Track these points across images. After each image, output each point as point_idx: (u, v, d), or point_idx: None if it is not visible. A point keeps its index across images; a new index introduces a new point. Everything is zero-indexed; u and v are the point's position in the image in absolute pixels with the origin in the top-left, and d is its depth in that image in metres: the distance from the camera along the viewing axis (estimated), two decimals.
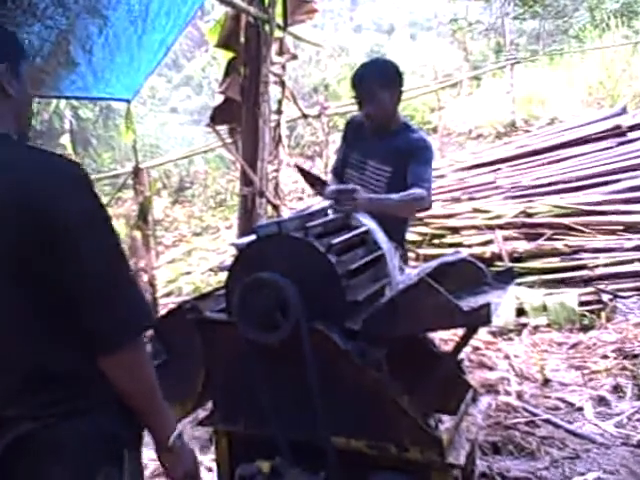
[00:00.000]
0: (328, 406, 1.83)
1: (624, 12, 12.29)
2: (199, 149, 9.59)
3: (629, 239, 5.36)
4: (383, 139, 2.89)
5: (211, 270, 6.99)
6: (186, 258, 8.11)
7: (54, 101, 10.63)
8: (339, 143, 3.21)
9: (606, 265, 5.12)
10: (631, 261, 5.11)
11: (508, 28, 11.36)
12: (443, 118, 10.42)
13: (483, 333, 4.39)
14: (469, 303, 1.84)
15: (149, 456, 2.90)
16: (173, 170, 11.88)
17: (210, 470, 2.90)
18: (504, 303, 1.98)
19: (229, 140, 5.20)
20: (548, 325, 4.65)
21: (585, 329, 4.57)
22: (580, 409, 3.51)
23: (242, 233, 4.47)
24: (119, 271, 1.32)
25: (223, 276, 2.01)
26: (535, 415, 3.40)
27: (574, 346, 4.34)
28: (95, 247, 1.26)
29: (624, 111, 7.66)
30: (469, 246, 5.65)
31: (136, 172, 5.55)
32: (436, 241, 6.02)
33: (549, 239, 5.53)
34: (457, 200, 6.72)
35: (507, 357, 4.14)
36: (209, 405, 2.16)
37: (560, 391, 3.74)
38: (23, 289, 1.24)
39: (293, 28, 5.19)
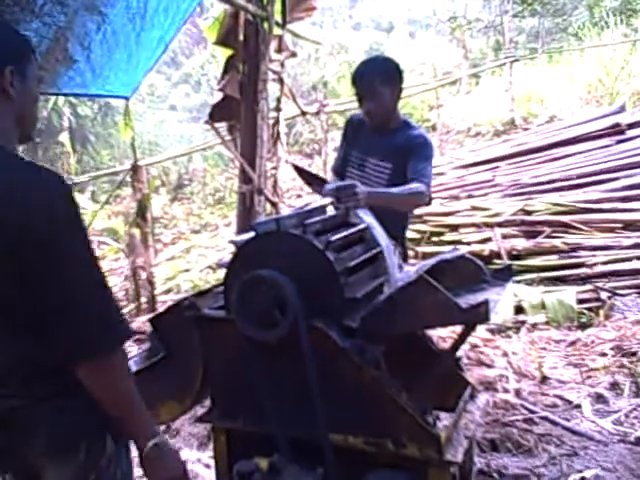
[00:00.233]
0: (326, 403, 1.83)
1: (623, 10, 12.29)
2: (198, 147, 9.59)
3: (627, 237, 5.37)
4: (383, 136, 2.90)
5: (210, 267, 6.99)
6: (185, 255, 8.11)
7: (52, 98, 10.64)
8: (339, 141, 3.22)
9: (604, 263, 5.13)
10: (629, 259, 5.12)
11: (507, 26, 11.35)
12: (442, 116, 10.42)
13: (481, 330, 4.39)
14: (467, 300, 1.84)
15: None
16: (172, 167, 11.89)
17: (208, 467, 2.90)
18: (502, 301, 1.98)
19: (228, 137, 5.20)
20: (546, 323, 4.66)
21: (583, 327, 4.57)
22: (578, 406, 3.51)
23: (241, 230, 4.47)
24: (93, 282, 1.35)
25: (222, 273, 2.01)
26: (533, 412, 3.40)
27: (572, 344, 4.35)
28: (67, 261, 1.30)
29: (623, 109, 7.66)
30: (468, 244, 5.65)
31: (135, 169, 5.55)
32: (435, 239, 6.02)
33: (548, 237, 5.54)
34: (456, 198, 6.73)
35: (505, 354, 4.14)
36: (207, 402, 2.16)
37: (558, 388, 3.74)
38: (7, 291, 1.30)
39: (292, 25, 5.19)
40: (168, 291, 6.53)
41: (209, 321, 2.01)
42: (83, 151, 12.26)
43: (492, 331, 4.54)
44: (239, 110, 4.65)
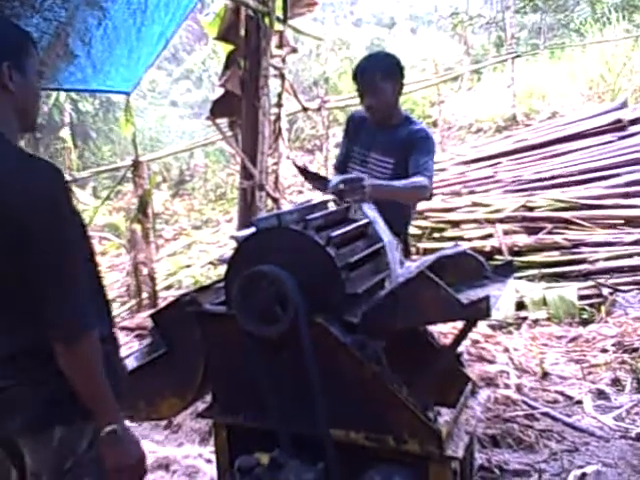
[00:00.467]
0: (327, 399, 1.83)
1: (625, 6, 12.27)
2: (199, 142, 9.58)
3: (629, 233, 5.37)
4: (385, 132, 2.91)
5: (211, 263, 6.99)
6: (186, 251, 8.12)
7: (54, 94, 10.62)
8: (340, 138, 3.22)
9: (606, 259, 5.13)
10: (631, 255, 5.11)
11: (509, 22, 11.32)
12: (443, 112, 10.39)
13: (483, 326, 4.39)
14: (469, 296, 1.84)
15: (149, 448, 2.92)
16: (173, 163, 11.88)
17: (209, 462, 2.91)
18: (504, 296, 1.98)
19: (229, 133, 5.19)
20: (548, 319, 4.66)
21: (585, 323, 4.57)
22: (579, 402, 3.51)
23: (242, 226, 4.47)
24: (70, 272, 1.39)
25: (223, 269, 2.01)
26: (534, 408, 3.41)
27: (573, 340, 4.35)
28: (49, 246, 1.36)
29: (624, 105, 7.65)
30: (469, 240, 5.65)
31: (136, 165, 5.54)
32: (436, 235, 6.02)
33: (549, 233, 5.53)
34: (457, 194, 6.72)
35: (506, 350, 4.15)
36: (209, 397, 2.16)
37: (559, 384, 3.75)
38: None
39: (293, 21, 5.17)
40: (169, 287, 6.53)
41: (210, 317, 2.01)
42: (84, 147, 12.26)
43: (493, 327, 4.54)
44: (240, 106, 4.64)
